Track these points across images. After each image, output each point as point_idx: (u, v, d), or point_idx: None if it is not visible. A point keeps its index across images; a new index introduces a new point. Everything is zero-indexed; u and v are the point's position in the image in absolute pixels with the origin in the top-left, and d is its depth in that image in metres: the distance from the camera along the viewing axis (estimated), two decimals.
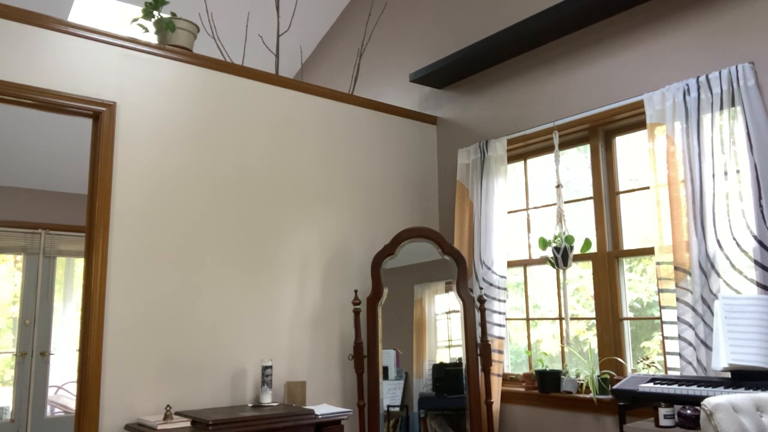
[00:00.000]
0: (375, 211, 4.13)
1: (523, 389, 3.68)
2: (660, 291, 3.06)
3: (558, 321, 3.72)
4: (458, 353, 3.60)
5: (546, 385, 3.51)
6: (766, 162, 2.75)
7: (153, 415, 3.05)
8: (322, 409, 3.26)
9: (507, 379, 3.89)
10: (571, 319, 3.67)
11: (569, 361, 3.59)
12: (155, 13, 3.45)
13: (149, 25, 3.49)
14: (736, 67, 2.89)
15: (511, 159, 4.10)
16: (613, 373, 3.35)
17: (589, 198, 3.63)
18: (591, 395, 3.29)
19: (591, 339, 3.56)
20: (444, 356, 3.65)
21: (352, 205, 4.02)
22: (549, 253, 3.56)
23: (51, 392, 6.43)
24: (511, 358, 3.99)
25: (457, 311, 3.64)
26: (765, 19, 2.89)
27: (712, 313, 2.82)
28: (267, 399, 3.31)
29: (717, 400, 2.01)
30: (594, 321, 3.52)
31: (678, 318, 2.94)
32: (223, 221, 3.44)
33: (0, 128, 5.59)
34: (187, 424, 2.88)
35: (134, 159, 3.19)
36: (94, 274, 2.98)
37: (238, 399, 3.38)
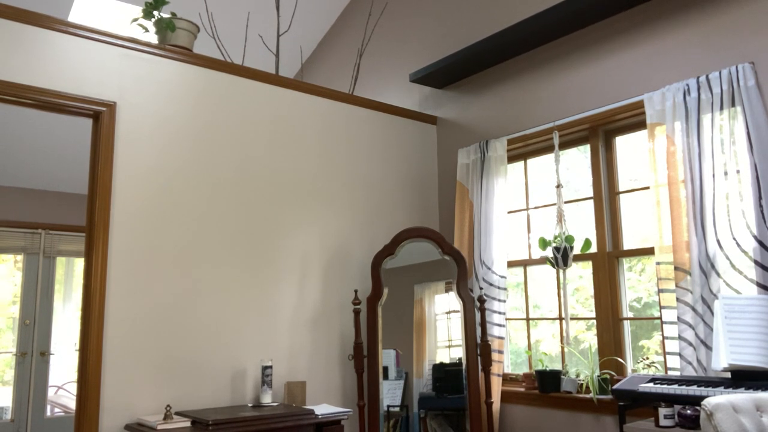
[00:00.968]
0: (375, 211, 4.13)
1: (523, 389, 3.68)
2: (660, 291, 3.06)
3: (558, 321, 3.72)
4: (458, 353, 3.60)
5: (546, 385, 3.51)
6: (766, 162, 2.75)
7: (153, 415, 3.05)
8: (322, 409, 3.26)
9: (507, 379, 3.89)
10: (571, 319, 3.67)
11: (569, 361, 3.59)
12: (155, 13, 3.45)
13: (149, 25, 3.49)
14: (736, 67, 2.89)
15: (511, 159, 4.10)
16: (613, 373, 3.35)
17: (589, 198, 3.63)
18: (591, 395, 3.29)
19: (591, 339, 3.56)
20: (444, 356, 3.65)
21: (352, 205, 4.02)
22: (549, 253, 3.56)
23: (51, 392, 6.43)
24: (511, 358, 3.99)
25: (457, 311, 3.64)
26: (765, 19, 2.89)
27: (712, 313, 2.82)
28: (267, 399, 3.31)
29: (717, 400, 2.01)
30: (594, 321, 3.52)
31: (678, 318, 2.94)
32: (223, 221, 3.44)
33: (0, 128, 5.59)
34: (187, 424, 2.88)
35: (134, 159, 3.19)
36: (94, 274, 2.98)
37: (238, 399, 3.38)
